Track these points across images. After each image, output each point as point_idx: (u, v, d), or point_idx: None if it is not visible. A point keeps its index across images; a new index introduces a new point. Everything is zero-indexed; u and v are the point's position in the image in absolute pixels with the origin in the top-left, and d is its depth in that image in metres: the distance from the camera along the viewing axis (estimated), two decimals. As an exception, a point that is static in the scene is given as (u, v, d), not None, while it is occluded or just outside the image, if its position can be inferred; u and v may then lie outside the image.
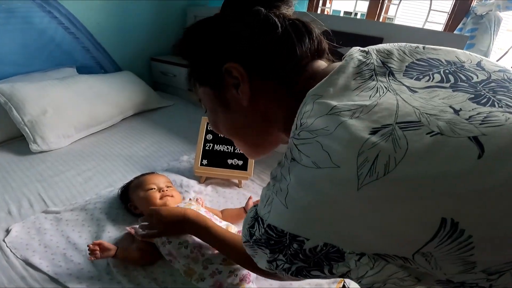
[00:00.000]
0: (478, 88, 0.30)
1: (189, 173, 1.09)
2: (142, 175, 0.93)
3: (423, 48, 0.38)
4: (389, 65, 0.35)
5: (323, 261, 0.32)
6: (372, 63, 0.35)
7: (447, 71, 0.33)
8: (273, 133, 0.44)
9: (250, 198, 0.91)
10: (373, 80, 0.33)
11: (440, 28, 1.64)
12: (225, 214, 0.87)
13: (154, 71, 1.99)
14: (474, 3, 1.50)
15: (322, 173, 0.28)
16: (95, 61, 1.71)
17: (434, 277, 0.30)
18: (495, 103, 0.27)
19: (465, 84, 0.31)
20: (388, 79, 0.33)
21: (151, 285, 0.68)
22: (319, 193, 0.28)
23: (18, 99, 1.18)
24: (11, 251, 0.74)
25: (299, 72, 0.39)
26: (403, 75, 0.33)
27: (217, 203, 0.96)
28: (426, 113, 0.26)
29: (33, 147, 1.15)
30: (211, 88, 0.43)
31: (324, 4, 1.94)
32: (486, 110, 0.26)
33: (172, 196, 0.85)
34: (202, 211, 0.79)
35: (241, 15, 0.40)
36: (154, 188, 0.85)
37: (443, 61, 0.35)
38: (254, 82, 0.39)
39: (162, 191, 0.85)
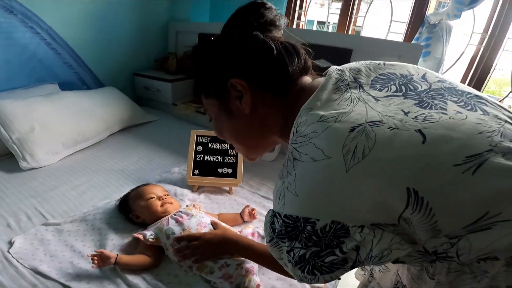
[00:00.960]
0: (421, 96, 0.41)
1: (182, 183, 1.17)
2: (139, 186, 1.01)
3: (384, 64, 0.49)
4: (359, 80, 0.45)
5: (332, 241, 0.39)
6: (346, 79, 0.45)
7: (400, 82, 0.44)
8: (269, 137, 0.54)
9: (247, 206, 1.01)
10: (348, 92, 0.43)
11: (400, 37, 1.86)
12: (221, 218, 0.96)
13: (138, 86, 2.05)
14: (427, 13, 1.73)
15: (319, 164, 0.38)
16: (78, 77, 1.75)
17: (418, 246, 0.39)
18: (433, 106, 0.38)
19: (412, 93, 0.42)
20: (359, 91, 0.43)
21: (159, 286, 0.75)
22: (319, 180, 0.38)
23: (5, 116, 1.21)
24: (17, 261, 0.79)
25: (290, 86, 0.49)
26: (370, 87, 0.44)
27: (211, 209, 1.05)
28: (386, 115, 0.38)
29: (23, 164, 1.18)
30: (217, 99, 0.52)
31: (299, 18, 2.12)
32: (426, 112, 0.37)
33: (171, 203, 0.93)
34: (203, 215, 0.89)
35: (242, 39, 0.48)
36: (154, 197, 0.93)
37: (398, 74, 0.47)
38: (255, 95, 0.48)
39: (162, 199, 0.93)
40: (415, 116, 0.37)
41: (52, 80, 1.61)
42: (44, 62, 1.56)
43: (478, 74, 1.67)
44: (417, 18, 1.75)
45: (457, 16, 1.57)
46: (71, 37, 1.63)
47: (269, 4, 0.50)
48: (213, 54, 0.50)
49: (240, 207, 1.04)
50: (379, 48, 1.48)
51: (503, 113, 0.39)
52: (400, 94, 0.42)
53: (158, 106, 2.03)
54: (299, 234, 0.41)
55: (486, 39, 1.65)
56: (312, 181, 0.39)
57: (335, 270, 0.41)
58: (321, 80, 0.49)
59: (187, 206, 0.97)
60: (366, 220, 0.37)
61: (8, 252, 0.81)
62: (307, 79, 0.51)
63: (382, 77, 0.47)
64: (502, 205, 0.33)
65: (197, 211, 0.91)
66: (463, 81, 1.76)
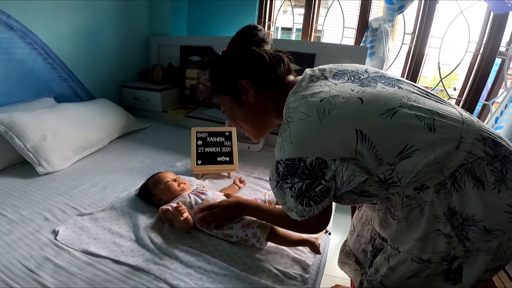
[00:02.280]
0: (363, 81, 0.66)
1: (187, 174, 1.38)
2: (153, 175, 1.19)
3: (341, 65, 0.74)
4: (325, 74, 0.70)
5: (318, 172, 0.58)
6: (316, 75, 0.70)
7: (350, 75, 0.69)
8: (270, 120, 0.78)
9: (236, 177, 1.28)
10: (318, 82, 0.67)
11: (352, 41, 2.23)
12: (223, 191, 1.19)
13: (126, 97, 2.20)
14: (370, 19, 2.10)
15: (303, 121, 0.60)
16: (72, 90, 1.87)
17: (373, 176, 0.60)
18: (368, 86, 0.63)
19: (357, 80, 0.66)
20: (325, 81, 0.68)
21: (190, 251, 0.91)
22: (305, 130, 0.60)
23: (18, 127, 1.34)
24: (67, 246, 0.90)
25: (280, 83, 0.73)
26: (332, 79, 0.69)
27: (215, 190, 1.27)
28: (341, 92, 0.61)
29: (40, 169, 1.32)
30: (231, 95, 0.75)
31: (269, 28, 2.43)
32: (364, 88, 0.62)
33: (185, 183, 1.14)
34: (214, 191, 1.11)
35: (244, 52, 0.72)
36: (170, 180, 1.13)
37: (350, 70, 0.71)
38: (257, 90, 0.72)
39: (177, 180, 1.14)
40: (357, 91, 0.62)
41: (48, 93, 1.72)
42: (40, 76, 1.66)
43: (413, 68, 2.08)
44: (363, 24, 2.13)
45: (391, 20, 1.96)
46: (63, 52, 1.74)
47: (259, 26, 0.74)
48: (225, 63, 0.75)
49: (240, 188, 1.27)
50: (336, 51, 1.81)
51: (414, 89, 0.66)
52: (350, 81, 0.67)
53: (147, 114, 2.19)
54: (296, 170, 0.60)
55: (415, 38, 2.05)
56: (300, 132, 0.61)
57: (324, 199, 0.60)
58: (299, 77, 0.73)
59: (197, 187, 1.18)
60: (336, 155, 0.59)
61: (56, 239, 0.92)
62: (290, 77, 0.75)
63: (339, 72, 0.71)
64: (413, 138, 0.56)
65: (207, 189, 1.13)
66: (403, 74, 2.17)
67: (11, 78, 1.53)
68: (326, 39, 2.51)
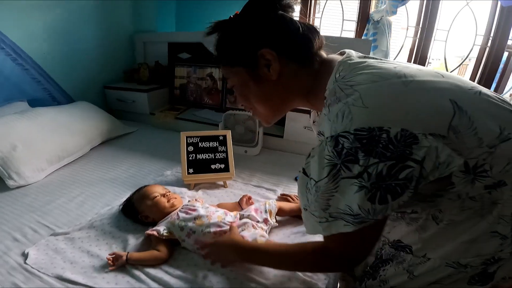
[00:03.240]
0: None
1: (177, 184, 1.28)
2: (140, 189, 1.09)
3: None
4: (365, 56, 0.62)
5: (405, 150, 0.44)
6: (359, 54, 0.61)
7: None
8: (292, 100, 0.66)
9: (244, 195, 1.12)
10: (369, 59, 0.57)
11: (352, 34, 2.16)
12: (221, 207, 1.08)
13: (110, 99, 2.09)
14: (371, 11, 2.04)
15: (380, 84, 0.49)
16: (47, 93, 1.76)
17: (460, 160, 0.46)
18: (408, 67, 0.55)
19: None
20: (376, 60, 0.58)
21: (183, 276, 0.81)
22: (386, 93, 0.48)
23: (-16, 138, 1.23)
24: (39, 271, 0.81)
25: (313, 58, 0.62)
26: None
27: (210, 202, 1.17)
28: (410, 67, 0.54)
29: (10, 183, 1.20)
30: (245, 67, 0.62)
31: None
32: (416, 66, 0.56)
33: (175, 198, 1.04)
34: (207, 205, 1.01)
35: (269, 16, 0.60)
36: (158, 195, 1.03)
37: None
38: (282, 63, 0.60)
39: (166, 195, 1.03)
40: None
41: (21, 97, 1.61)
42: (10, 79, 1.55)
43: (418, 63, 2.01)
44: (363, 16, 2.06)
45: (394, 12, 1.89)
46: (35, 52, 1.64)
47: None
48: (241, 28, 0.61)
49: (237, 198, 1.17)
50: (337, 44, 1.72)
51: None
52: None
53: (134, 117, 2.09)
54: (375, 145, 0.44)
55: (419, 31, 1.99)
56: (379, 94, 0.48)
57: (404, 192, 0.45)
58: (333, 55, 0.64)
59: (189, 201, 1.07)
60: (426, 128, 0.45)
61: (26, 263, 0.83)
62: (323, 52, 0.65)
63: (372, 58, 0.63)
64: (507, 120, 0.48)
65: (201, 204, 1.02)
66: None
67: (-26, 82, 1.42)
68: (323, 32, 2.43)
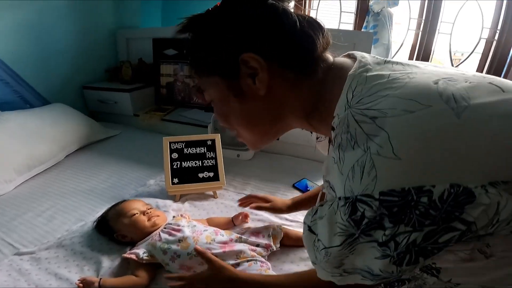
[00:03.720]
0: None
1: (162, 195, 1.18)
2: (115, 205, 0.98)
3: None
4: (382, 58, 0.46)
5: (453, 212, 0.31)
6: (372, 58, 0.45)
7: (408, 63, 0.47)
8: (287, 120, 0.51)
9: (241, 213, 1.00)
10: (387, 63, 0.43)
11: (350, 27, 2.06)
12: (212, 223, 0.98)
13: (90, 101, 1.98)
14: (371, 2, 1.94)
15: (418, 114, 0.33)
16: (18, 96, 1.64)
17: None
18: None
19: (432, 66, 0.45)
20: (396, 64, 0.43)
21: None
22: (429, 131, 0.32)
23: None
24: None
25: (317, 63, 0.46)
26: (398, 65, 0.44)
27: (199, 216, 1.07)
28: (450, 73, 0.39)
29: (-29, 197, 1.09)
30: (223, 78, 0.47)
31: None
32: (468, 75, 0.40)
33: (158, 215, 0.94)
34: (194, 223, 0.91)
35: (255, 8, 0.44)
36: (137, 213, 0.92)
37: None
38: (272, 72, 0.45)
39: (146, 213, 0.93)
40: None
41: (-12, 101, 1.50)
42: None
43: (421, 58, 1.92)
44: (362, 7, 1.97)
45: (396, 3, 1.80)
46: (2, 51, 1.52)
47: None
48: (218, 24, 0.46)
49: (229, 210, 1.07)
50: (336, 37, 1.62)
51: None
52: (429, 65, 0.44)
53: (117, 119, 1.98)
54: (409, 213, 0.32)
55: (422, 23, 1.90)
56: (419, 135, 0.32)
57: (442, 250, 0.34)
58: (342, 58, 0.50)
59: (174, 217, 0.97)
60: (486, 175, 0.31)
61: None
62: (329, 55, 0.49)
63: (392, 60, 0.47)
64: None
65: (186, 221, 0.92)
66: None
67: None
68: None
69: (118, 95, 1.87)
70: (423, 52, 1.91)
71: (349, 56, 0.50)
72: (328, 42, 0.49)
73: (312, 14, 2.18)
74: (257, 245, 0.86)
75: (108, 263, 0.85)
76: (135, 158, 1.50)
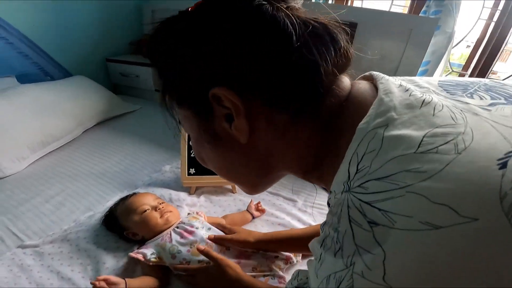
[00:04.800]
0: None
1: (176, 185, 1.06)
2: (124, 198, 0.87)
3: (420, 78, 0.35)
4: (424, 85, 0.30)
5: None
6: (407, 84, 0.30)
7: (482, 88, 0.30)
8: (276, 171, 0.38)
9: (251, 201, 0.94)
10: (430, 97, 0.27)
11: (401, 10, 1.77)
12: (228, 221, 0.87)
13: (113, 73, 1.87)
14: None
15: (447, 233, 0.20)
16: (38, 68, 1.55)
17: None
18: None
19: (505, 97, 0.28)
20: (441, 96, 0.28)
21: None
22: (453, 259, 0.19)
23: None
24: None
25: (322, 100, 0.31)
26: (450, 94, 0.29)
27: (214, 213, 0.95)
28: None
29: (-16, 175, 1.02)
30: (194, 113, 0.34)
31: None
32: None
33: (170, 211, 0.82)
34: (209, 226, 0.80)
35: (235, 13, 0.30)
36: (149, 209, 0.81)
37: (465, 81, 0.32)
38: (255, 114, 0.31)
39: (158, 209, 0.81)
40: None
41: (7, 73, 1.40)
42: None
43: (489, 52, 1.61)
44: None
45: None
46: (23, 24, 1.42)
47: None
48: (182, 42, 0.32)
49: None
50: (387, 21, 1.39)
51: None
52: (504, 100, 0.27)
53: (138, 93, 1.87)
54: None
55: (498, 14, 1.58)
56: (435, 267, 0.20)
57: None
58: (363, 86, 0.33)
59: (188, 214, 0.86)
60: None
61: None
62: (345, 81, 0.34)
63: (447, 82, 0.32)
64: None
65: (202, 221, 0.81)
66: (470, 58, 1.72)
67: None
68: (367, 6, 2.02)
69: (140, 69, 1.74)
70: (491, 47, 1.60)
71: (370, 78, 0.34)
72: (346, 62, 0.32)
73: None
74: (276, 257, 0.74)
75: (112, 263, 0.76)
76: (152, 137, 1.37)
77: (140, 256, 0.72)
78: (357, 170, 0.25)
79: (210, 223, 0.82)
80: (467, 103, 0.27)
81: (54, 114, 1.27)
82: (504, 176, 0.19)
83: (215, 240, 0.75)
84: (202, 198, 1.02)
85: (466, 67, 1.74)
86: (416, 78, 0.33)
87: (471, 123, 0.24)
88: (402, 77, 0.34)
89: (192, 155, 1.05)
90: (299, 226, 0.89)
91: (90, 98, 1.47)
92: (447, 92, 0.29)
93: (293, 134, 0.32)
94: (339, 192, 0.27)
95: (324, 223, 0.29)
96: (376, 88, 0.31)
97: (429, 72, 1.53)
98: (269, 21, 0.29)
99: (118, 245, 0.81)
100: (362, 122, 0.27)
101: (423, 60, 1.41)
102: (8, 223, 0.87)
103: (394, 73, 1.51)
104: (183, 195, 1.00)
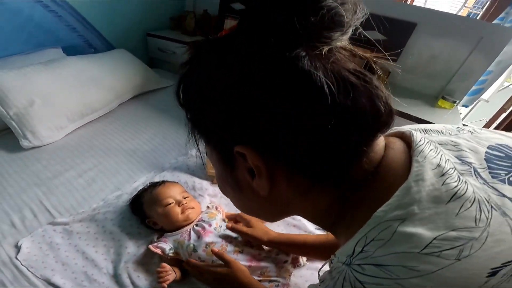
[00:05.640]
0: None
1: (200, 172, 1.03)
2: (153, 186, 0.85)
3: (474, 130, 0.33)
4: (467, 160, 0.28)
5: None
6: (448, 159, 0.28)
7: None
8: (289, 212, 0.37)
9: None
10: (464, 183, 0.25)
11: (474, 16, 1.54)
12: (246, 216, 0.83)
13: (151, 48, 1.85)
14: None
15: None
16: (83, 40, 1.55)
17: None
18: None
19: None
20: (480, 182, 0.26)
21: None
22: None
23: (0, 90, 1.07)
24: (28, 269, 0.71)
25: (350, 176, 0.29)
26: (492, 176, 0.27)
27: (233, 207, 0.92)
28: None
29: (24, 143, 1.06)
30: (219, 157, 0.33)
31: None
32: None
33: (193, 207, 0.81)
34: (224, 227, 0.77)
35: (265, 64, 0.25)
36: (172, 203, 0.79)
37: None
38: (277, 175, 0.30)
39: (182, 204, 0.80)
40: None
41: (55, 44, 1.42)
42: (43, 26, 1.35)
43: None
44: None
45: None
46: None
47: None
48: (215, 87, 0.28)
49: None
50: (452, 25, 1.23)
51: None
52: None
53: (173, 69, 1.84)
54: None
55: None
56: None
57: None
58: (398, 145, 0.31)
59: (208, 207, 0.85)
60: None
61: (17, 258, 0.72)
62: (380, 143, 0.31)
63: (495, 152, 0.29)
64: None
65: (220, 219, 0.80)
66: None
67: (3, 30, 1.23)
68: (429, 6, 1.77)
69: (177, 45, 1.70)
70: None
71: (396, 135, 0.34)
72: (388, 120, 0.28)
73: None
74: (285, 262, 0.73)
75: (134, 249, 0.77)
76: (182, 117, 1.35)
77: (159, 251, 0.73)
78: (361, 250, 0.26)
79: (228, 218, 0.82)
80: (503, 195, 0.25)
81: (95, 87, 1.28)
82: (486, 283, 0.21)
83: (232, 229, 0.76)
84: (224, 189, 0.99)
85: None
86: (464, 143, 0.30)
87: (492, 226, 0.23)
88: (448, 136, 0.32)
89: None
90: (313, 229, 0.86)
91: (129, 72, 1.46)
92: (490, 173, 0.27)
93: (314, 196, 0.32)
94: (341, 262, 0.28)
95: (322, 281, 0.31)
96: (410, 150, 0.30)
97: (488, 83, 1.34)
98: (300, 72, 0.25)
99: (140, 231, 0.82)
100: (380, 209, 0.26)
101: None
102: (41, 197, 0.89)
103: (449, 74, 1.34)
104: (205, 184, 0.97)
